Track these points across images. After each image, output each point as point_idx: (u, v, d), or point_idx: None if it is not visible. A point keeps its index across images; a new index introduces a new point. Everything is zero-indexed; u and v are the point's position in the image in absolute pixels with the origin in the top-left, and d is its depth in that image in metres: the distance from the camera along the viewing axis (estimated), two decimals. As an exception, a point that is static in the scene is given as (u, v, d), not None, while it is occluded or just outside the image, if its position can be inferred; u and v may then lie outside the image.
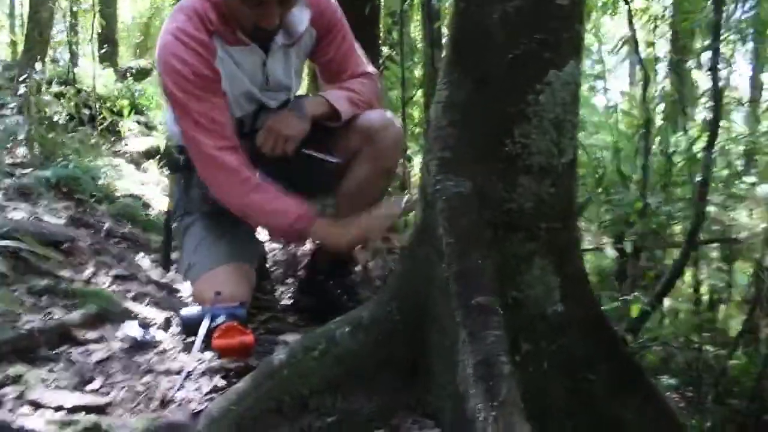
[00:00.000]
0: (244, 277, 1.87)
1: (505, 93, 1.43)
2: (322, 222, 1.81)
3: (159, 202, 3.92)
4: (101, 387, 1.38)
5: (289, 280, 2.55)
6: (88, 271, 2.18)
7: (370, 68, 2.06)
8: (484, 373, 1.24)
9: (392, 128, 1.95)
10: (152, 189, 4.40)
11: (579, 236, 1.57)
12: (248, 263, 1.93)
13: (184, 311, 1.69)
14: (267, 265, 2.47)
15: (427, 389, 1.47)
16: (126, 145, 5.72)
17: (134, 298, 1.98)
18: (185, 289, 2.24)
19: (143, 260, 2.50)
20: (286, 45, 1.89)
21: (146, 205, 3.68)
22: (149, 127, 6.52)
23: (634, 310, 2.01)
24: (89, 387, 1.38)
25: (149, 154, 6.01)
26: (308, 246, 2.75)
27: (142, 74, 8.80)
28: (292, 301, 2.20)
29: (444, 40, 1.44)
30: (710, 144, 2.05)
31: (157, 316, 1.84)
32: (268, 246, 2.71)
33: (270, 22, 1.73)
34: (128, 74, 8.35)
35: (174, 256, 2.40)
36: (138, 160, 5.61)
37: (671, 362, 2.41)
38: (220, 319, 1.60)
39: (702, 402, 2.24)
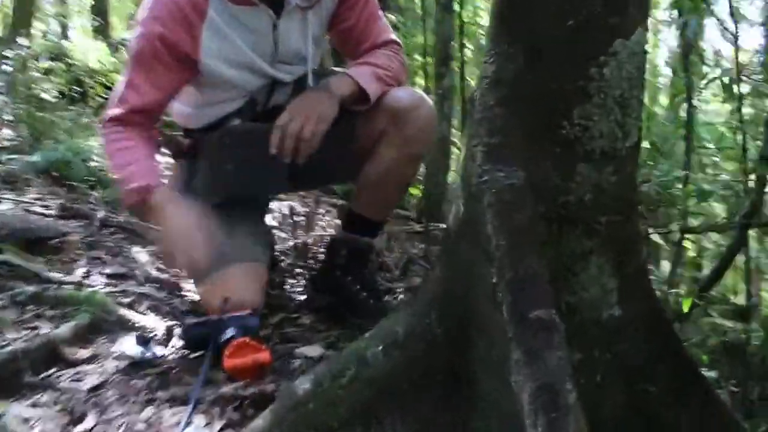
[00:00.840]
0: (255, 279, 1.67)
1: (562, 66, 1.21)
2: (159, 203, 1.59)
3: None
4: (95, 426, 1.17)
5: (299, 271, 2.35)
6: (80, 271, 1.97)
7: (394, 36, 1.83)
8: (545, 403, 1.05)
9: (423, 109, 1.73)
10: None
11: (641, 229, 1.37)
12: (260, 261, 1.73)
13: (189, 323, 1.49)
14: (275, 254, 2.27)
15: (472, 409, 1.28)
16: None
17: (131, 303, 1.77)
18: (189, 287, 2.04)
19: (141, 254, 2.29)
20: (302, 7, 1.66)
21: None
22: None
23: (686, 305, 1.81)
24: (81, 428, 1.16)
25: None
26: (318, 234, 2.54)
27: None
28: (305, 298, 2.00)
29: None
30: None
31: (158, 325, 1.64)
32: (276, 233, 2.51)
33: None
34: (122, 47, 8.01)
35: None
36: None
37: (715, 354, 2.23)
38: (230, 333, 1.40)
39: (748, 399, 2.07)
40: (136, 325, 1.61)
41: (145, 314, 1.74)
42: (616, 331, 1.34)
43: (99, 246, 2.27)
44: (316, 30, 1.75)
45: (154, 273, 2.13)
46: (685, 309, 1.86)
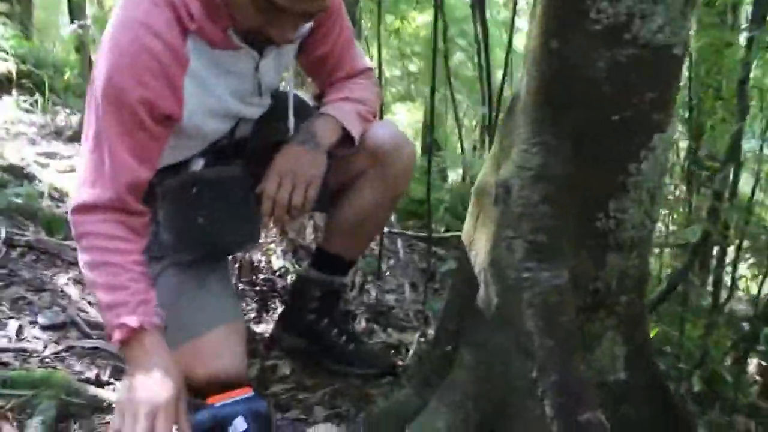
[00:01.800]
0: (239, 342, 1.53)
1: (605, 161, 1.19)
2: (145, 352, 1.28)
3: (47, 171, 3.30)
4: None
5: (247, 290, 2.22)
6: (12, 327, 1.73)
7: (368, 62, 1.71)
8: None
9: (405, 149, 1.64)
10: (26, 146, 3.71)
11: (646, 300, 1.41)
12: (238, 317, 1.59)
13: (192, 419, 1.35)
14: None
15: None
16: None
17: (97, 375, 1.57)
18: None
19: (69, 287, 2.05)
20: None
21: (30, 178, 3.06)
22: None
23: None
24: None
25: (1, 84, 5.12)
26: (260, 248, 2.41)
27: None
28: (272, 335, 1.88)
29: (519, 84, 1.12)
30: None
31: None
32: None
33: (283, 35, 1.30)
34: None
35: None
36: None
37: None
38: (242, 426, 1.29)
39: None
40: (112, 406, 1.44)
41: (110, 385, 1.56)
42: (623, 393, 1.38)
43: (15, 279, 2.00)
44: (288, 60, 1.59)
45: (95, 313, 1.91)
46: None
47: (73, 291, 2.03)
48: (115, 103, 1.29)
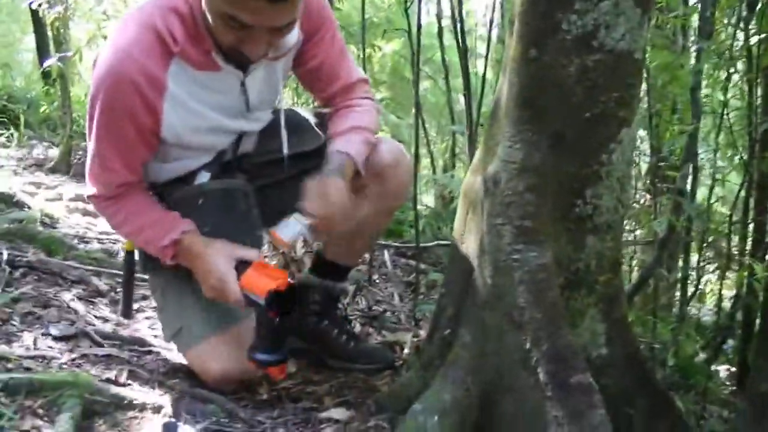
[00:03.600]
0: (248, 341, 1.65)
1: (580, 153, 1.36)
2: (189, 247, 1.56)
3: (36, 200, 3.37)
4: None
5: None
6: (27, 338, 1.81)
7: (362, 73, 1.83)
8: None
9: (403, 164, 1.77)
10: (12, 177, 3.78)
11: (622, 282, 1.57)
12: (247, 318, 1.71)
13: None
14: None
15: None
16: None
17: (116, 376, 1.67)
18: (151, 341, 1.95)
19: (75, 302, 2.13)
20: (271, 59, 1.61)
21: (21, 206, 3.13)
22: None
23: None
24: None
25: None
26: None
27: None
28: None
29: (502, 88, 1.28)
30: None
31: (155, 399, 1.56)
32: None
33: (254, 51, 1.43)
34: None
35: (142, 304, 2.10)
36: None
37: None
38: None
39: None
40: (134, 402, 1.54)
41: (128, 386, 1.65)
42: (603, 366, 1.52)
43: (23, 297, 2.08)
44: (283, 74, 1.70)
45: (102, 326, 2.00)
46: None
47: (79, 306, 2.12)
48: (103, 116, 1.49)
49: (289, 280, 1.49)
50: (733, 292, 2.74)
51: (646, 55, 1.45)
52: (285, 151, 1.70)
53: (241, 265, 1.53)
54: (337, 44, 1.73)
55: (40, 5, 4.02)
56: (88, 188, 1.62)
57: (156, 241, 1.55)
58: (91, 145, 1.57)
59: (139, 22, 1.48)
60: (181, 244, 1.55)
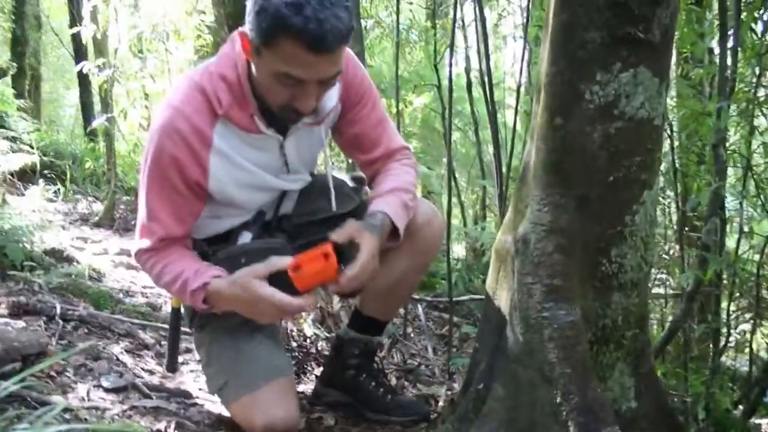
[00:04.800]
0: (291, 394, 1.73)
1: (605, 215, 1.43)
2: (218, 290, 1.62)
3: (84, 254, 3.53)
4: None
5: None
6: (82, 390, 1.91)
7: (402, 140, 1.89)
8: None
9: (435, 223, 1.86)
10: (61, 232, 3.95)
11: (649, 336, 1.62)
12: (290, 372, 1.79)
13: None
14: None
15: None
16: (-5, 167, 5.04)
17: (156, 423, 1.75)
18: (196, 393, 2.04)
19: (123, 355, 2.24)
20: (310, 124, 1.72)
21: (69, 260, 3.29)
22: (15, 140, 5.81)
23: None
24: None
25: (24, 175, 5.39)
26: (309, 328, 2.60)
27: (-3, 73, 7.67)
28: (313, 392, 2.07)
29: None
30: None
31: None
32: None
33: (306, 104, 1.53)
34: None
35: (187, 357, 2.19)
36: (13, 183, 5.01)
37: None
38: None
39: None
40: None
41: (183, 438, 1.74)
42: (633, 419, 1.56)
43: (74, 349, 2.19)
44: (322, 140, 1.80)
45: (150, 378, 2.10)
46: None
47: (127, 359, 2.22)
48: (153, 167, 1.62)
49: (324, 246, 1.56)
50: (769, 342, 2.74)
51: (667, 116, 1.52)
52: (334, 208, 1.79)
53: (275, 277, 1.59)
54: (378, 113, 1.82)
55: (90, 69, 4.25)
56: (135, 244, 1.72)
57: (188, 286, 1.63)
58: (141, 198, 1.69)
59: (190, 84, 1.63)
60: (210, 288, 1.62)
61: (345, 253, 1.57)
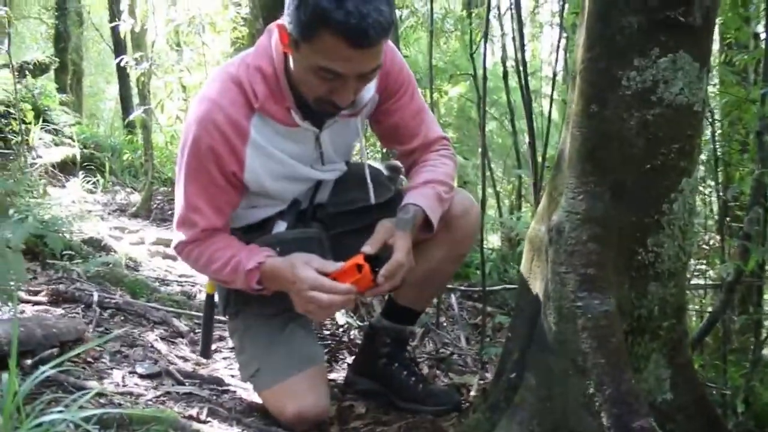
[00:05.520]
0: (322, 383, 1.74)
1: (641, 203, 1.40)
2: (273, 268, 1.62)
3: (121, 244, 3.60)
4: None
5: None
6: (117, 376, 1.95)
7: (441, 130, 1.87)
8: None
9: (472, 214, 1.84)
10: (100, 222, 4.03)
11: (687, 326, 1.58)
12: (322, 362, 1.80)
13: None
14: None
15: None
16: (39, 158, 5.16)
17: (197, 414, 1.77)
18: (229, 381, 2.06)
19: (158, 342, 2.28)
20: (346, 116, 1.71)
21: (107, 249, 3.35)
22: (57, 132, 5.94)
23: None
24: None
25: (65, 167, 5.51)
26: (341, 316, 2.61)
27: (40, 69, 7.78)
28: (345, 380, 2.08)
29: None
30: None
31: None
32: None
33: (345, 98, 1.51)
34: (25, 71, 7.29)
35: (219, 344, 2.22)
36: (55, 175, 5.14)
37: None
38: None
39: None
40: (222, 445, 1.65)
41: (209, 423, 1.76)
42: (668, 413, 1.53)
43: (113, 337, 2.24)
44: (358, 130, 1.78)
45: (183, 365, 2.13)
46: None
47: (162, 346, 2.26)
48: (191, 159, 1.62)
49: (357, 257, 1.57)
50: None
51: (708, 101, 1.48)
52: (372, 200, 1.77)
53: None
54: (417, 103, 1.80)
55: (127, 63, 4.31)
56: (175, 237, 1.73)
57: (242, 267, 1.62)
58: (179, 190, 1.69)
59: (226, 76, 1.63)
60: (265, 266, 1.62)
61: (380, 257, 1.58)
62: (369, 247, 1.58)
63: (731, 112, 2.91)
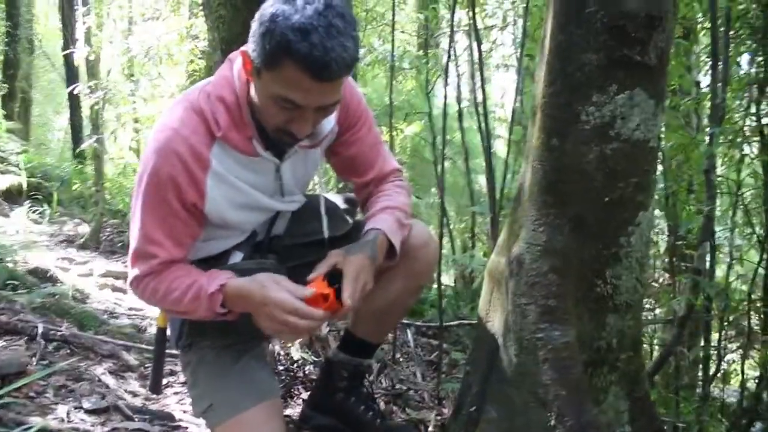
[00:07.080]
0: (277, 417, 1.68)
1: (600, 236, 1.43)
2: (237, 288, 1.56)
3: (68, 275, 3.48)
4: None
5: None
6: (61, 411, 1.86)
7: (395, 162, 1.87)
8: None
9: (431, 245, 1.84)
10: (46, 253, 3.90)
11: (644, 361, 1.60)
12: (278, 395, 1.75)
13: None
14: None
15: None
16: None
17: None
18: (179, 416, 1.99)
19: (105, 376, 2.19)
20: (306, 146, 1.70)
21: (54, 281, 3.24)
22: (3, 161, 5.76)
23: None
24: None
25: (11, 195, 5.34)
26: (296, 350, 2.56)
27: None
28: (300, 415, 2.02)
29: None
30: None
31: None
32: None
33: (303, 129, 1.49)
34: None
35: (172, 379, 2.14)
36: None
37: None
38: None
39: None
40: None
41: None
42: (627, 446, 1.54)
43: (57, 370, 2.14)
44: (317, 162, 1.78)
45: (132, 400, 2.05)
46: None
47: (110, 381, 2.18)
48: (149, 188, 1.56)
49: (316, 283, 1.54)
50: (758, 372, 2.74)
51: (662, 138, 1.53)
52: (326, 233, 1.76)
53: None
54: (374, 135, 1.81)
55: (81, 90, 4.24)
56: (130, 272, 1.65)
57: (203, 291, 1.56)
58: (135, 222, 1.64)
59: (188, 105, 1.60)
60: (228, 287, 1.55)
61: (334, 279, 1.56)
62: (314, 274, 1.56)
63: (676, 155, 3.03)
